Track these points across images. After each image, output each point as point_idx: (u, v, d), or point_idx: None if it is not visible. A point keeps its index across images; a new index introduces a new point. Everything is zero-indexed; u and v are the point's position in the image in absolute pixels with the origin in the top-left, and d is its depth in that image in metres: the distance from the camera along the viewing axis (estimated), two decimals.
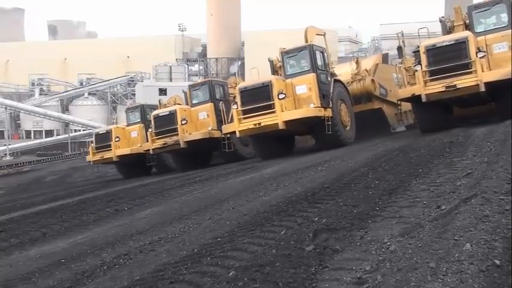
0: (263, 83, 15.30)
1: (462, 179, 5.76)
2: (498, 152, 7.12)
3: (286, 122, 14.72)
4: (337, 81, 16.54)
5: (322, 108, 15.10)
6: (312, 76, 15.35)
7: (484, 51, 12.35)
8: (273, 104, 14.78)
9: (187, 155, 18.99)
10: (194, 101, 19.33)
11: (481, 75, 12.01)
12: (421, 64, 12.85)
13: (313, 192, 7.06)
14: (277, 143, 16.49)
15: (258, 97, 15.21)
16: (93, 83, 57.38)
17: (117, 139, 21.61)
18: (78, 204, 12.04)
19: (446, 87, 12.19)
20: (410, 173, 6.90)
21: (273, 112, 14.82)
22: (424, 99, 12.61)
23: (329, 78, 16.05)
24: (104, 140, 22.18)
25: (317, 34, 17.71)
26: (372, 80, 17.90)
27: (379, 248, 3.97)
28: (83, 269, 5.53)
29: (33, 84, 58.99)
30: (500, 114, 12.66)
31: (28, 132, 55.20)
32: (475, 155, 7.26)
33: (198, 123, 18.83)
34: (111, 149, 21.42)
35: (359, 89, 18.03)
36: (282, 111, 14.78)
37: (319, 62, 15.91)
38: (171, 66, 58.77)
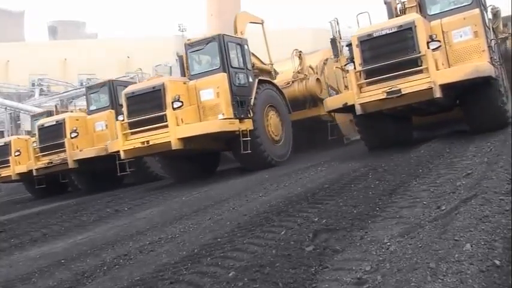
0: (154, 87, 11.53)
1: (462, 180, 5.76)
2: (498, 152, 7.12)
3: (183, 140, 10.99)
4: (264, 82, 13.18)
5: (237, 120, 11.66)
6: (220, 77, 11.71)
7: (439, 41, 9.22)
8: (166, 115, 11.03)
9: (91, 174, 15.20)
10: (92, 107, 15.35)
11: (435, 75, 8.75)
12: (354, 62, 9.67)
13: (313, 192, 7.06)
14: (192, 160, 13.12)
15: (149, 105, 11.45)
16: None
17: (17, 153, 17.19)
18: (78, 204, 12.04)
19: (388, 93, 8.89)
20: (410, 174, 6.90)
21: (166, 126, 11.03)
22: (358, 110, 9.38)
23: (250, 79, 12.54)
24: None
25: (251, 22, 14.92)
26: (318, 79, 14.97)
27: (379, 249, 3.97)
28: (82, 269, 5.53)
29: (33, 84, 58.94)
30: (471, 124, 10.21)
31: (28, 133, 55.16)
32: (475, 156, 7.26)
33: (95, 135, 14.81)
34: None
35: (301, 91, 14.93)
36: (178, 124, 11.05)
37: (236, 59, 12.37)
38: (171, 67, 58.66)
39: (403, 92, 8.84)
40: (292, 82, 15.02)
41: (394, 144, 10.36)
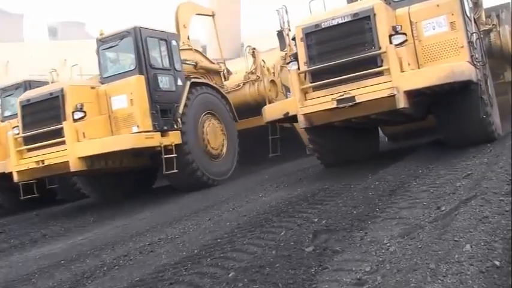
0: (51, 93, 9.41)
1: (462, 180, 5.76)
2: (498, 153, 7.11)
3: (85, 159, 8.94)
4: (199, 85, 11.12)
5: (158, 133, 9.58)
6: (135, 80, 9.55)
7: (404, 34, 7.30)
8: (63, 128, 8.95)
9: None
10: (6, 113, 12.65)
11: (399, 79, 6.86)
12: (297, 59, 7.73)
13: (313, 193, 7.06)
14: (123, 175, 11.12)
15: (46, 116, 9.41)
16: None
17: None
18: (77, 205, 12.03)
19: (339, 101, 7.08)
20: (409, 174, 6.90)
21: (63, 142, 8.98)
22: (302, 123, 7.53)
23: (180, 82, 10.53)
24: None
25: (198, 14, 13.00)
26: (272, 81, 13.10)
27: (379, 249, 3.97)
28: (82, 270, 5.53)
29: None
30: (447, 139, 8.48)
31: None
32: (474, 156, 7.25)
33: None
34: None
35: (253, 95, 12.89)
36: (79, 140, 8.97)
37: (159, 57, 10.32)
38: None
39: (357, 101, 6.91)
40: (243, 84, 13.03)
41: (355, 160, 8.89)
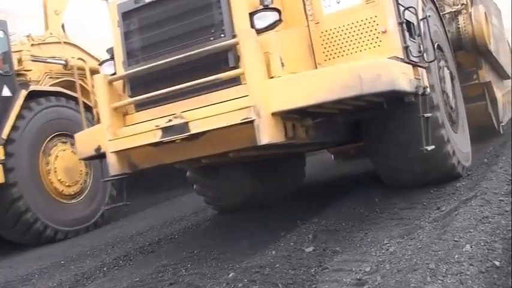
0: None
1: (462, 180, 5.75)
2: (498, 153, 7.11)
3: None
4: (43, 95, 8.20)
5: None
6: None
7: (277, 11, 4.23)
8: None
9: None
10: None
11: (259, 92, 3.84)
12: (114, 59, 4.83)
13: (313, 193, 7.06)
14: None
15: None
16: None
17: None
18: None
19: (164, 131, 4.13)
20: None
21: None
22: (115, 168, 4.49)
23: (8, 92, 7.70)
24: None
25: None
26: None
27: (378, 249, 3.97)
28: (82, 270, 5.53)
29: None
30: (383, 177, 5.81)
31: None
32: (474, 156, 7.25)
33: None
34: None
35: None
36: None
37: None
38: None
39: (192, 131, 4.00)
40: None
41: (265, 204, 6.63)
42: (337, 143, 6.44)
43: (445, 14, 7.86)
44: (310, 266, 3.84)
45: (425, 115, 4.72)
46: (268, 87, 3.87)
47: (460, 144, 5.98)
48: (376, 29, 4.37)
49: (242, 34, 3.96)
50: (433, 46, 5.56)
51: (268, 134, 3.79)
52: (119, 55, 4.74)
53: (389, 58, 4.21)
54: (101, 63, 5.13)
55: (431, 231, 4.05)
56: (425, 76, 4.87)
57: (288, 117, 4.10)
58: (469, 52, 8.38)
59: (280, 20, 4.24)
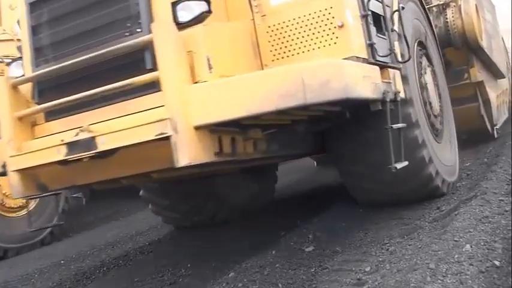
0: None
1: (461, 180, 5.76)
2: (498, 153, 7.12)
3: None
4: None
5: None
6: None
7: (206, 1, 3.38)
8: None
9: None
10: None
11: (177, 100, 3.01)
12: (22, 58, 3.97)
13: (313, 193, 7.06)
14: None
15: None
16: None
17: None
18: (76, 205, 12.01)
19: (69, 147, 3.29)
20: None
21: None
22: (18, 189, 3.65)
23: None
24: None
25: None
26: None
27: (378, 249, 3.97)
28: (82, 270, 5.53)
29: None
30: (355, 195, 5.12)
31: None
32: (474, 156, 7.26)
33: None
34: None
35: None
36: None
37: None
38: None
39: (99, 148, 3.23)
40: None
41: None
42: (303, 155, 5.79)
43: (431, 6, 7.36)
44: (310, 266, 3.84)
45: (395, 126, 3.83)
46: (190, 94, 3.05)
47: (444, 157, 5.28)
48: (331, 23, 3.61)
49: (156, 28, 3.14)
50: (412, 43, 4.86)
51: (188, 153, 2.97)
52: (27, 54, 3.95)
53: (346, 58, 3.41)
54: (8, 64, 4.26)
55: (431, 231, 4.05)
56: (398, 79, 4.14)
57: (223, 131, 3.29)
58: (459, 49, 7.81)
59: (209, 12, 3.42)
